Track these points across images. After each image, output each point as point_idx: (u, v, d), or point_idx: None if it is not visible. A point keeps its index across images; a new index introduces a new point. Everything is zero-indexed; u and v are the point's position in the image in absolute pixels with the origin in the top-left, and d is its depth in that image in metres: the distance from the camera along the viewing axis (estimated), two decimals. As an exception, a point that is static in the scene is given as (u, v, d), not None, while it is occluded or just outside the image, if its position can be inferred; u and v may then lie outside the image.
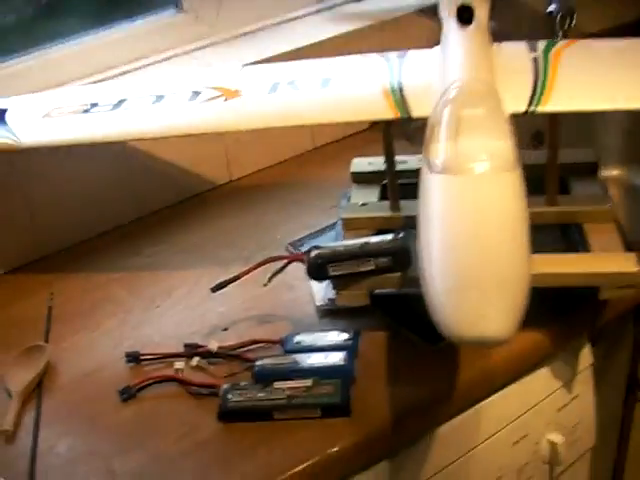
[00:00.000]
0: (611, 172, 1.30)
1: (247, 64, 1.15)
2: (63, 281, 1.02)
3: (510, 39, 1.00)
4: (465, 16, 0.86)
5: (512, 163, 0.69)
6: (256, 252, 0.99)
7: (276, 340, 0.83)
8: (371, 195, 0.93)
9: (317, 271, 0.80)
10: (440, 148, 0.70)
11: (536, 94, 0.76)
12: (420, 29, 1.21)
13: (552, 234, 0.89)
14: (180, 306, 0.95)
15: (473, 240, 0.63)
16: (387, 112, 0.78)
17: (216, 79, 0.90)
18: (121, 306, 0.96)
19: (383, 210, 0.89)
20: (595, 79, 0.79)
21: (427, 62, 0.85)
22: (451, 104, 0.73)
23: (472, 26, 0.83)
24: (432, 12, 1.18)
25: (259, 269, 0.85)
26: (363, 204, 0.91)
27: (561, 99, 0.76)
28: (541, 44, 0.86)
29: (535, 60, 0.82)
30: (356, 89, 0.83)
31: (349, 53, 1.21)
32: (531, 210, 0.85)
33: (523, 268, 0.62)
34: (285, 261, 0.83)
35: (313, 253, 0.80)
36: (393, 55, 0.89)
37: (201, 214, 1.13)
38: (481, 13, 0.85)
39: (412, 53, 0.89)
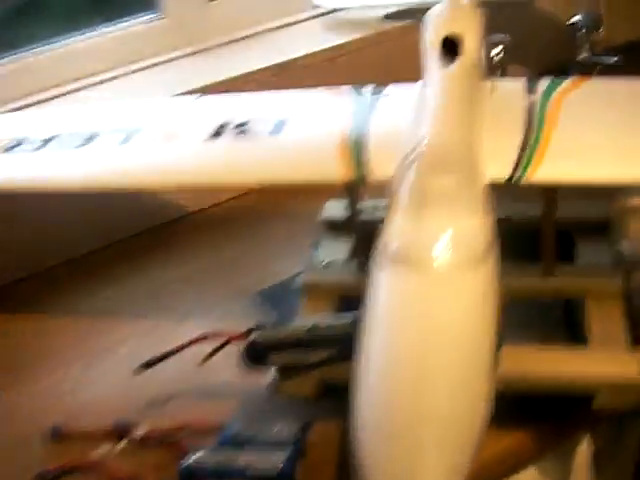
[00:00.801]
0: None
1: (230, 78, 1.03)
2: (3, 324, 0.91)
3: (525, 53, 0.86)
4: (451, 48, 0.72)
5: (480, 253, 0.55)
6: (218, 303, 0.89)
7: (214, 426, 0.72)
8: (342, 250, 0.80)
9: (254, 359, 0.67)
10: (394, 228, 0.57)
11: (524, 157, 0.62)
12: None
13: (554, 308, 0.75)
14: (123, 367, 0.82)
15: (411, 364, 0.50)
16: (338, 172, 0.65)
17: (159, 115, 0.78)
18: (62, 362, 0.85)
19: (349, 273, 0.76)
20: (601, 140, 0.64)
21: (404, 103, 0.71)
22: (413, 170, 0.59)
23: (457, 64, 0.69)
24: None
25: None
26: (327, 264, 0.78)
27: (554, 166, 0.61)
28: (543, 84, 0.72)
29: (530, 108, 0.68)
30: (310, 138, 0.70)
31: (346, 66, 1.09)
32: (524, 283, 0.73)
33: (476, 406, 0.49)
34: (224, 339, 0.71)
35: (251, 337, 0.67)
36: (367, 90, 0.75)
37: (166, 248, 1.01)
38: (471, 45, 0.71)
39: (391, 89, 0.75)
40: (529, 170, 0.61)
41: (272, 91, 0.81)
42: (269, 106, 0.77)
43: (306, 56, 1.08)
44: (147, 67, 1.09)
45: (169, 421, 0.73)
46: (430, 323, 0.51)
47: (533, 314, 0.74)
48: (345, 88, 0.77)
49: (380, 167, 0.64)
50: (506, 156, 0.62)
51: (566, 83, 0.72)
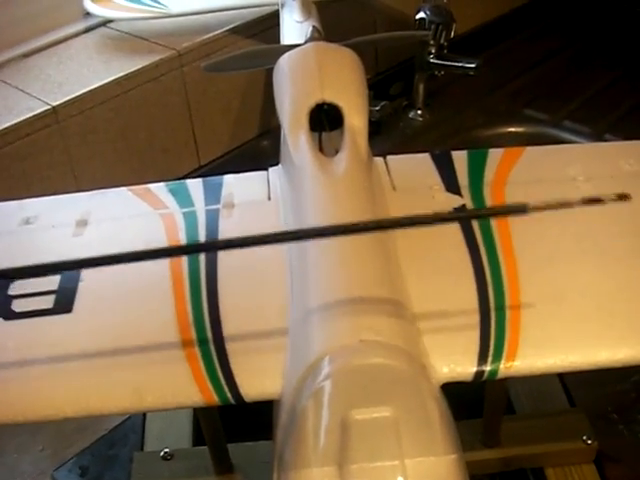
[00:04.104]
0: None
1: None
2: None
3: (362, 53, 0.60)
4: (322, 120, 0.47)
5: None
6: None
7: None
8: (182, 425, 0.54)
9: None
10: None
11: (490, 338, 0.37)
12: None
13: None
14: None
15: None
16: (194, 397, 0.37)
17: None
18: None
19: (202, 468, 0.50)
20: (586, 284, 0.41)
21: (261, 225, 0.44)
22: (320, 399, 0.33)
23: (345, 152, 0.43)
24: (257, 28, 0.82)
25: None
26: (166, 455, 0.51)
27: (536, 345, 0.38)
28: (460, 166, 0.47)
29: (465, 225, 0.43)
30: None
31: (144, 108, 0.81)
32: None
33: None
34: None
35: None
36: (197, 195, 0.47)
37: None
38: (355, 120, 0.46)
39: (235, 188, 0.48)
40: (504, 356, 0.36)
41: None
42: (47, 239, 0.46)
43: (81, 97, 0.76)
44: None
45: None
46: None
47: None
48: (159, 191, 0.48)
49: (253, 385, 0.37)
50: (462, 341, 0.37)
51: (492, 159, 0.48)
